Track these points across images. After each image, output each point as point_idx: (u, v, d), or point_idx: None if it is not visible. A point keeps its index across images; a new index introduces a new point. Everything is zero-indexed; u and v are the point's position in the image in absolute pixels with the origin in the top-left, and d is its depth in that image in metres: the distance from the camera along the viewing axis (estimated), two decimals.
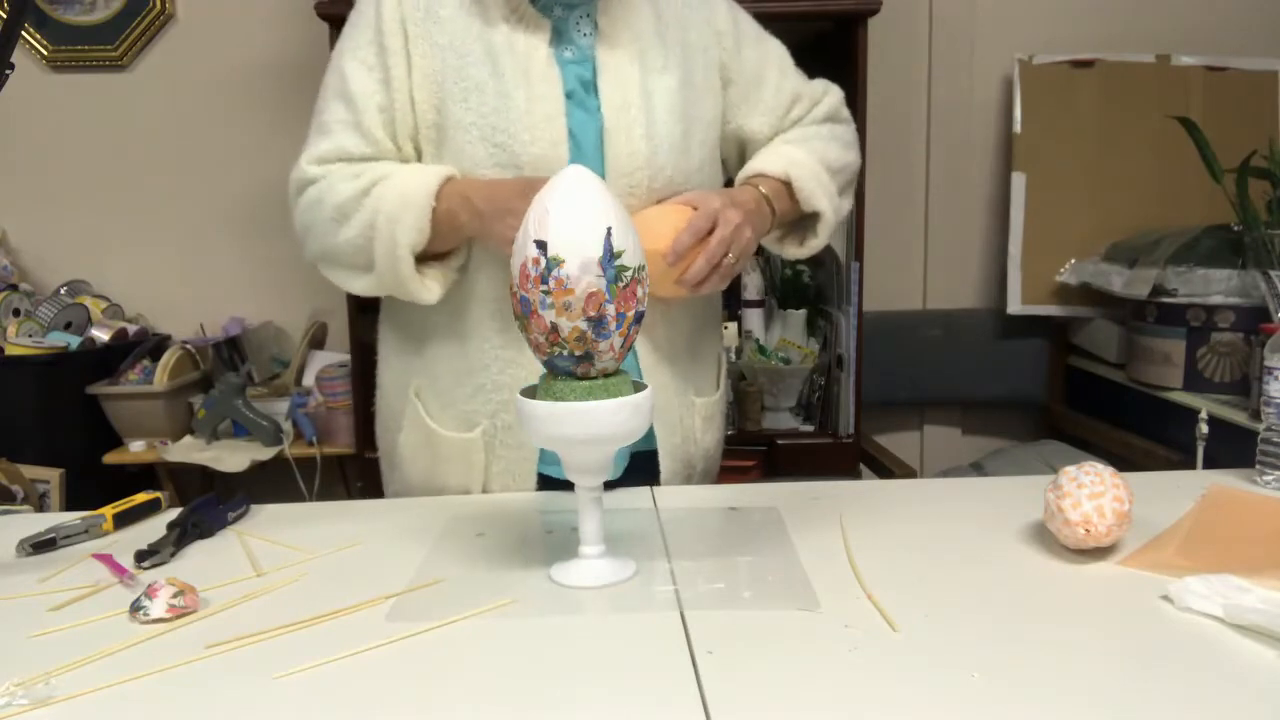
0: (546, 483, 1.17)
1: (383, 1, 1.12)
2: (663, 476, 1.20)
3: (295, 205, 1.17)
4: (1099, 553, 0.90)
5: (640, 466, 1.17)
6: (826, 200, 1.19)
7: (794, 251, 1.26)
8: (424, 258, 1.11)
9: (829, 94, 1.29)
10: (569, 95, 1.12)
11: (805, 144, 1.22)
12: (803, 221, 1.23)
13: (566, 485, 1.14)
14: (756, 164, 1.20)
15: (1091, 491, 0.89)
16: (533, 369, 1.12)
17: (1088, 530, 0.87)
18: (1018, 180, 2.46)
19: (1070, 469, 0.92)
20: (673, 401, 1.20)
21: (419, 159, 1.15)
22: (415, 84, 1.11)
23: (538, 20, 1.13)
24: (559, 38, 1.14)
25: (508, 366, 1.14)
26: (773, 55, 1.26)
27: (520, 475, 1.17)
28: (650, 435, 1.18)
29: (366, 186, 1.10)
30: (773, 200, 1.16)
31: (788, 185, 1.18)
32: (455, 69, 1.11)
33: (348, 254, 1.12)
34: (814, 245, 1.24)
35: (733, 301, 2.32)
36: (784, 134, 1.25)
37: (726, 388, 1.35)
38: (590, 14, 1.14)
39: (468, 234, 1.11)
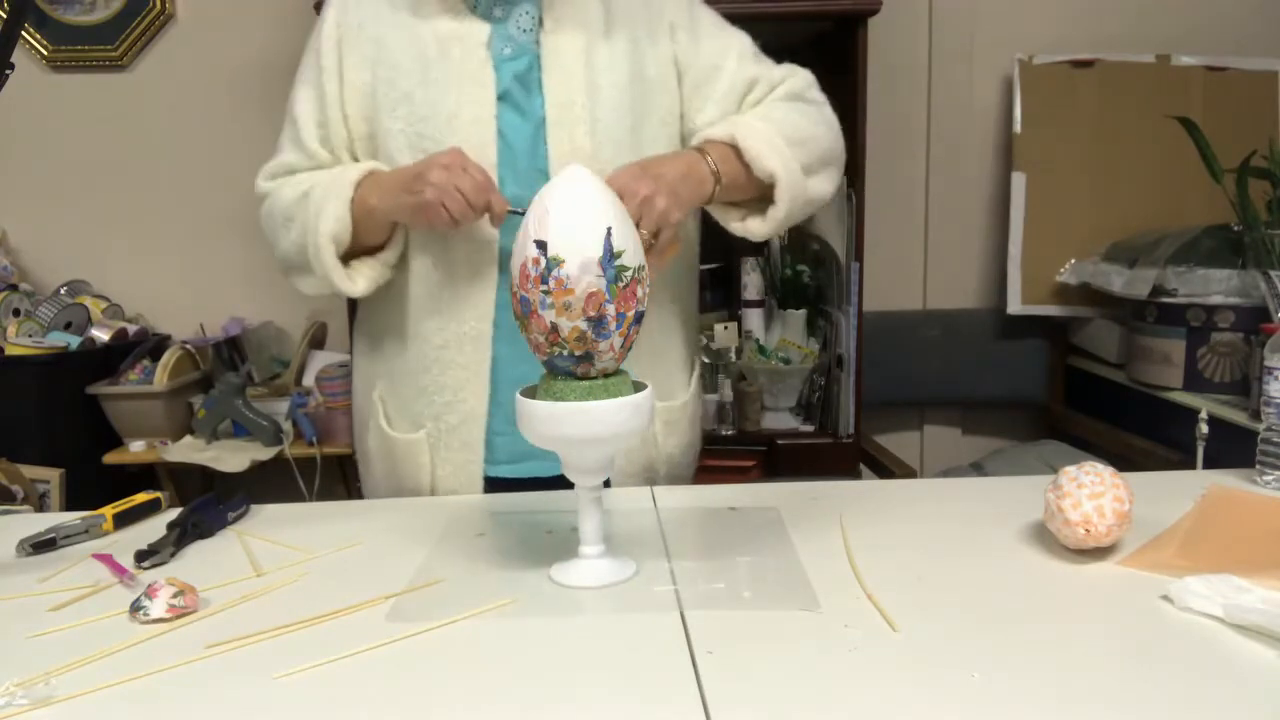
0: (494, 485, 1.17)
1: (324, 22, 1.18)
2: (613, 477, 1.18)
3: (260, 220, 1.22)
4: (1099, 553, 0.90)
5: None
6: (779, 162, 1.11)
7: (759, 228, 1.16)
8: (358, 253, 1.14)
9: (794, 75, 1.22)
10: (502, 97, 1.13)
11: (760, 113, 1.16)
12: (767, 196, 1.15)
13: (513, 486, 1.16)
14: (703, 132, 1.15)
15: (1092, 491, 0.89)
16: (475, 372, 1.13)
17: (1088, 530, 0.87)
18: (1018, 180, 2.46)
19: (1070, 469, 0.92)
20: None
21: None
22: (346, 98, 1.16)
23: (474, 23, 1.14)
24: (497, 36, 1.14)
25: (448, 368, 1.14)
26: (732, 46, 1.21)
27: (466, 478, 1.17)
28: None
29: (307, 190, 1.14)
30: (717, 163, 1.10)
31: (735, 149, 1.11)
32: (386, 81, 1.14)
33: (294, 256, 1.15)
34: (776, 216, 1.14)
35: (733, 301, 2.33)
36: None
37: (698, 393, 1.30)
38: (531, 11, 1.14)
39: (383, 215, 1.11)
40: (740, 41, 1.23)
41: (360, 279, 1.14)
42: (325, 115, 1.17)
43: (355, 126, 1.17)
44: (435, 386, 1.15)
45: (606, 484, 1.15)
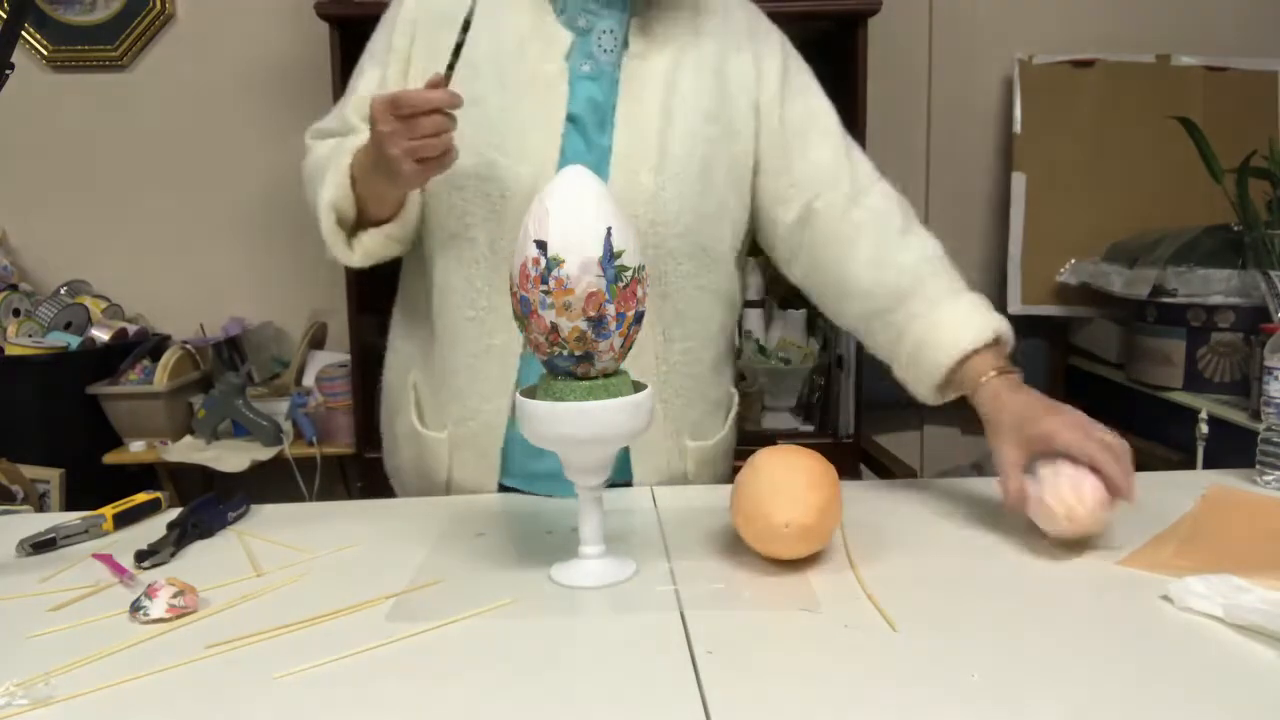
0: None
1: (400, 7, 1.14)
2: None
3: None
4: (1099, 553, 0.90)
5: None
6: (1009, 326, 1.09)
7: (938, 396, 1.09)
8: (367, 223, 1.11)
9: (880, 178, 1.19)
10: (572, 119, 1.09)
11: (944, 270, 1.13)
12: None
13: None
14: (964, 338, 1.04)
15: (1071, 479, 0.89)
16: (500, 384, 1.12)
17: (1070, 518, 0.87)
18: (1018, 180, 2.46)
19: (1047, 460, 0.92)
20: (659, 444, 1.16)
21: None
22: (411, 84, 1.12)
23: (557, 31, 1.10)
24: (579, 49, 1.10)
25: (476, 378, 1.13)
26: (819, 116, 1.18)
27: (480, 485, 1.17)
28: (626, 468, 1.15)
29: (324, 155, 1.13)
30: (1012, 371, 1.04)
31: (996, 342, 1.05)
32: (458, 79, 1.09)
33: (315, 217, 1.12)
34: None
35: None
36: (888, 244, 1.14)
37: (733, 428, 1.27)
38: (613, 29, 1.10)
39: (377, 174, 1.03)
40: (826, 110, 1.19)
41: (358, 250, 1.11)
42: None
43: None
44: (467, 391, 1.14)
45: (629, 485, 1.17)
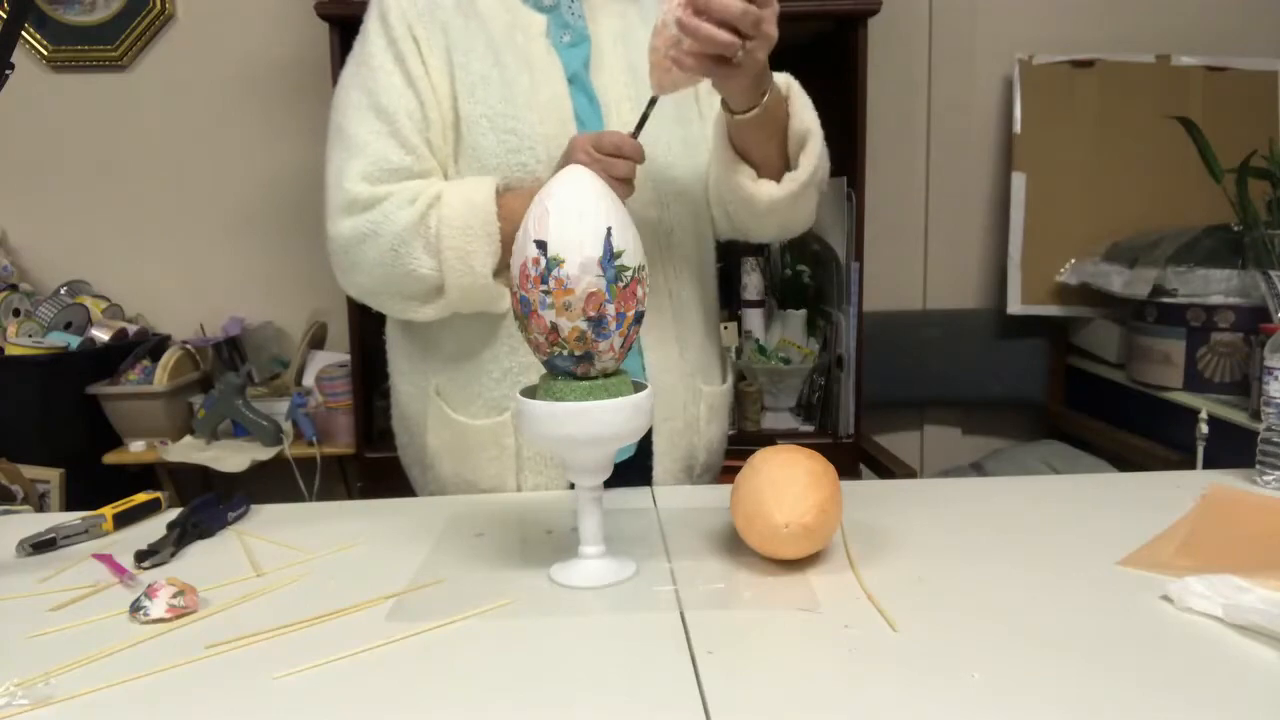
0: None
1: (387, 13, 1.14)
2: (657, 465, 1.20)
3: (336, 224, 1.12)
4: (1099, 553, 0.90)
5: (636, 453, 1.17)
6: (815, 122, 1.15)
7: (773, 190, 1.15)
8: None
9: None
10: (571, 80, 1.16)
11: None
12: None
13: None
14: None
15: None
16: None
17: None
18: (1018, 180, 2.46)
19: None
20: (677, 386, 1.20)
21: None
22: (434, 83, 1.14)
23: (530, 16, 1.17)
24: (554, 24, 1.18)
25: None
26: None
27: (555, 458, 1.17)
28: None
29: (423, 211, 1.08)
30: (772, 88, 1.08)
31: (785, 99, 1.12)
32: (461, 67, 1.14)
33: (408, 286, 1.11)
34: (798, 178, 1.14)
35: (733, 301, 2.33)
36: None
37: (732, 384, 1.35)
38: None
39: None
40: None
41: (508, 290, 1.11)
42: (419, 101, 1.12)
43: (444, 113, 1.13)
44: (520, 368, 1.16)
45: (649, 473, 1.19)
